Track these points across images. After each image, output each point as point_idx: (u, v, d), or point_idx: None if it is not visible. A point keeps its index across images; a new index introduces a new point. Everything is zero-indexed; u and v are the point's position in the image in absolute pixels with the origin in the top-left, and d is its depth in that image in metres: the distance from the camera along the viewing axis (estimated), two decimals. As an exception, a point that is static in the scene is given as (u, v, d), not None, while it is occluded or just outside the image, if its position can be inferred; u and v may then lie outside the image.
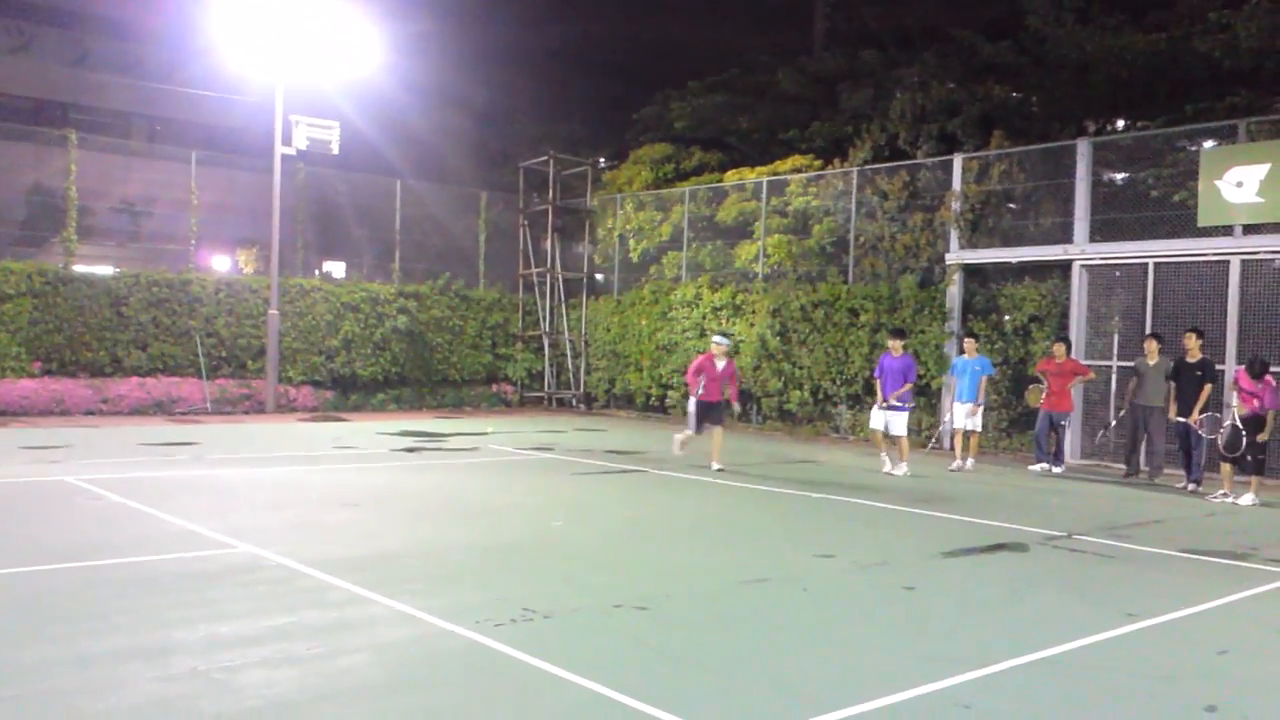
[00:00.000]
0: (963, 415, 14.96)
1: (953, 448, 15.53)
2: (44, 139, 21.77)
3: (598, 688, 4.96)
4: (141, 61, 33.91)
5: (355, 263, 25.61)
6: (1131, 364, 14.76)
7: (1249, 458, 12.05)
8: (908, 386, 13.93)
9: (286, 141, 20.94)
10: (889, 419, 13.94)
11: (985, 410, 16.28)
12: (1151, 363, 14.06)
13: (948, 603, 7.01)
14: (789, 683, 5.19)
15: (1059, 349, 14.94)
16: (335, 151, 21.59)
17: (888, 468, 14.01)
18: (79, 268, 19.82)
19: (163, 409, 19.58)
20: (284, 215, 21.33)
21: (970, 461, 14.90)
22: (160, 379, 19.92)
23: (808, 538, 9.30)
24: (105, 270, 20.33)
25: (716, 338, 14.46)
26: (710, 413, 13.91)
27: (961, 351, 15.66)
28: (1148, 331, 14.86)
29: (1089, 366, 15.40)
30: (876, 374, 14.25)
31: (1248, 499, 12.07)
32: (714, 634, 6.09)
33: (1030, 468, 15.00)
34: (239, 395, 20.65)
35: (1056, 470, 14.80)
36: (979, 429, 15.11)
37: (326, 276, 24.43)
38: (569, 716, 4.67)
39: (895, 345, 14.14)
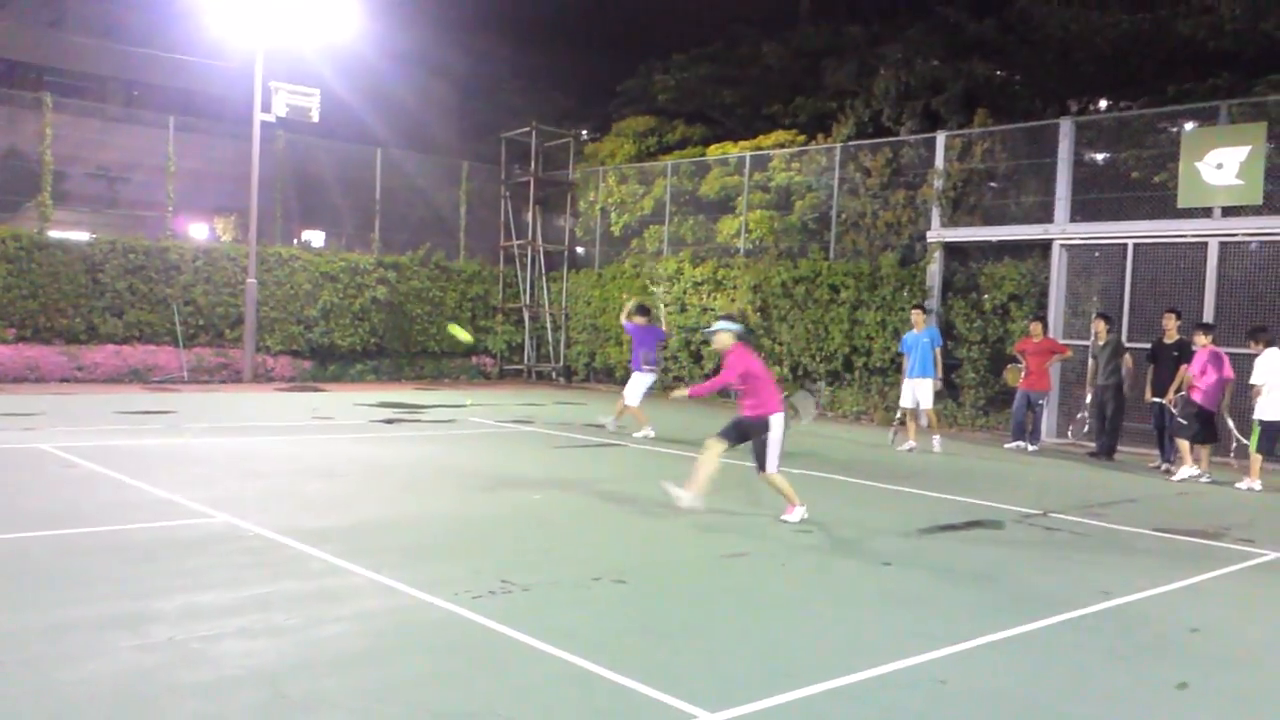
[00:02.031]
0: (915, 392, 14.37)
1: (912, 425, 14.51)
2: (19, 102, 21.43)
3: (575, 659, 4.97)
4: (119, 25, 33.39)
5: (335, 232, 25.40)
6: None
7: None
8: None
9: (266, 108, 20.70)
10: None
11: (962, 389, 16.40)
12: (1101, 343, 14.23)
13: (924, 579, 7.07)
14: (766, 657, 5.22)
15: (1036, 328, 15.04)
16: (315, 119, 21.34)
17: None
18: (54, 233, 19.57)
19: (139, 377, 19.44)
20: (263, 183, 21.11)
21: (937, 440, 14.27)
22: (136, 347, 19.75)
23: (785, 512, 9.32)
24: (81, 236, 20.09)
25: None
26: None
27: (911, 327, 14.91)
28: (1099, 310, 15.16)
29: (1066, 345, 15.49)
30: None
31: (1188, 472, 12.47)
32: (692, 608, 6.12)
33: (1006, 446, 15.10)
34: (216, 364, 20.52)
35: (1031, 449, 14.89)
36: (930, 405, 14.42)
37: (305, 245, 24.24)
38: (546, 688, 4.69)
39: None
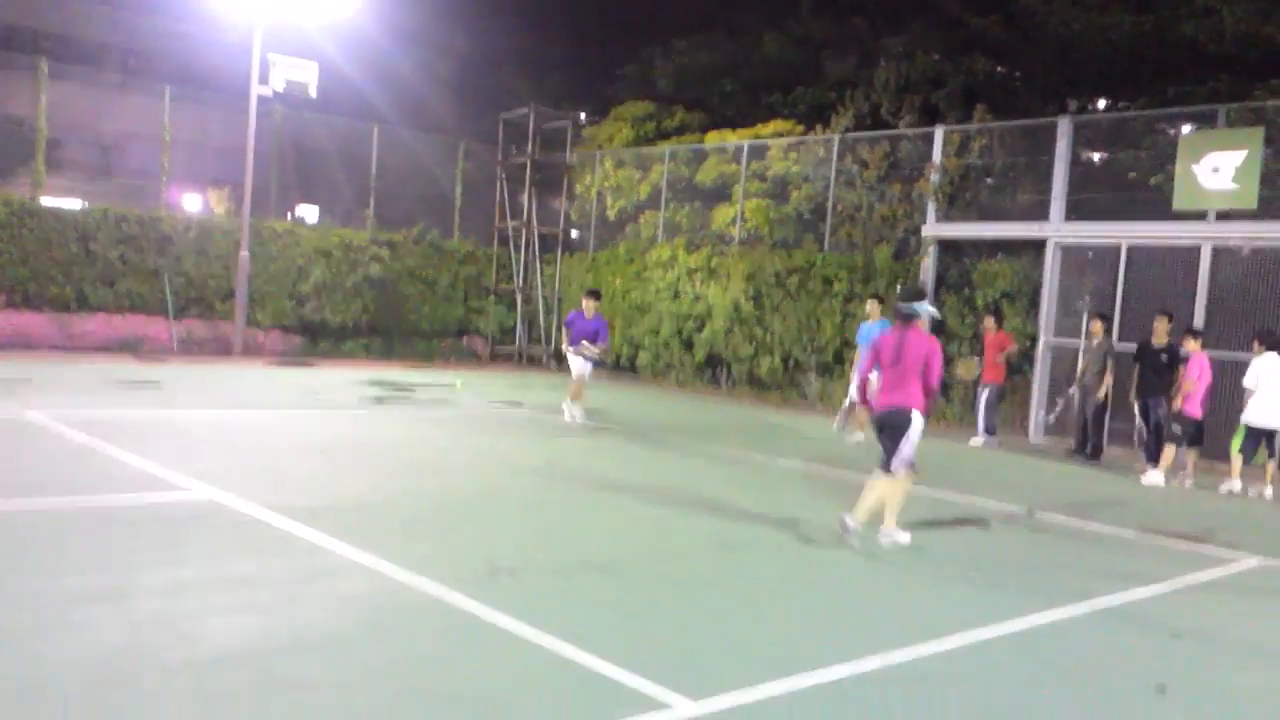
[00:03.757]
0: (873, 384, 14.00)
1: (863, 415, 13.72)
2: (15, 65, 21.26)
3: (560, 645, 4.99)
4: (116, -9, 33.15)
5: (330, 208, 25.31)
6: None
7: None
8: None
9: (264, 81, 20.55)
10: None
11: (952, 385, 16.44)
12: (1095, 343, 14.32)
13: (910, 575, 7.10)
14: (751, 648, 5.24)
15: (990, 322, 15.40)
16: (313, 94, 21.21)
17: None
18: (46, 200, 19.45)
19: (128, 347, 19.36)
20: (258, 157, 20.98)
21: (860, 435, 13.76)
22: (127, 317, 19.66)
23: (772, 504, 9.35)
24: (74, 204, 19.99)
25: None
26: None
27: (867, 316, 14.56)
28: (1096, 310, 15.16)
29: (1013, 338, 15.76)
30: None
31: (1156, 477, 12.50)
32: (679, 597, 6.13)
33: (972, 441, 15.16)
34: (206, 337, 20.45)
35: (982, 442, 14.99)
36: None
37: (300, 221, 24.14)
38: (530, 673, 4.70)
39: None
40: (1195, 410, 12.39)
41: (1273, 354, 11.77)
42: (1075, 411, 14.69)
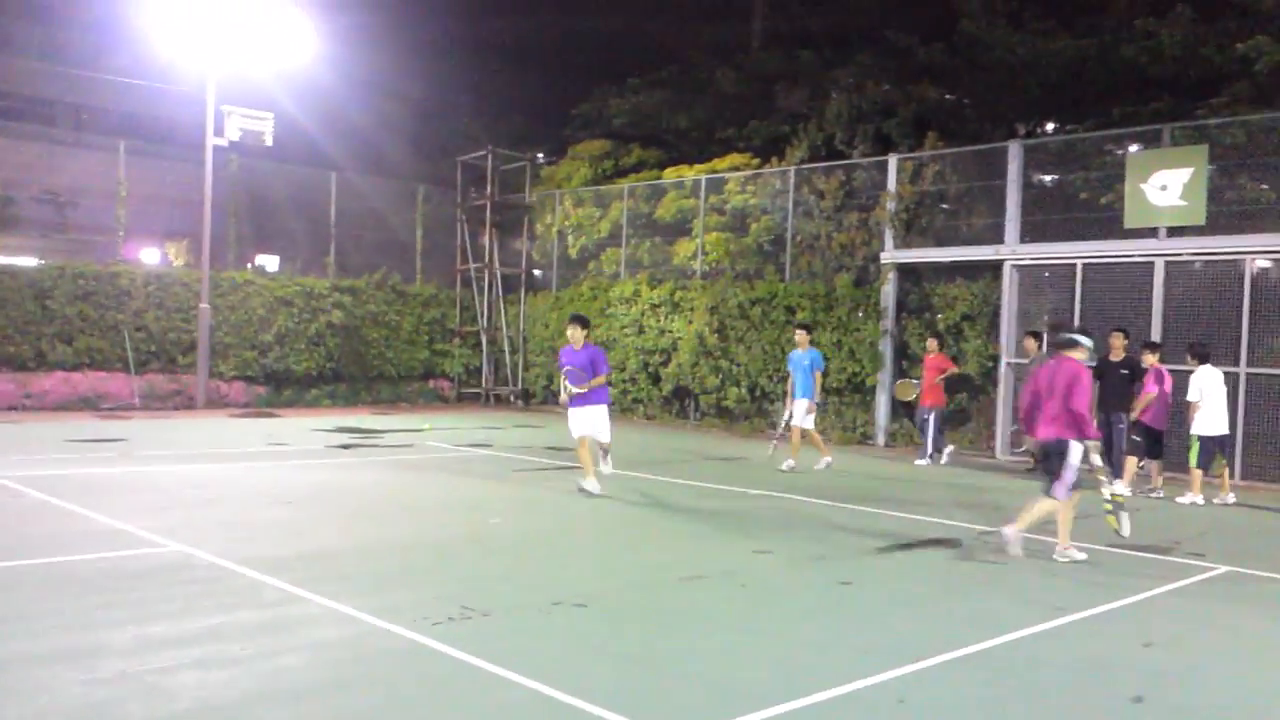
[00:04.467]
0: (799, 413, 13.98)
1: (796, 442, 14.11)
2: (-37, 125, 21.09)
3: (537, 685, 4.94)
4: (66, 47, 32.99)
5: (289, 256, 25.18)
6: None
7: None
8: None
9: (219, 132, 20.53)
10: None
11: (916, 408, 16.63)
12: (1028, 360, 14.67)
13: (883, 598, 7.12)
14: (727, 678, 5.23)
15: (931, 344, 15.67)
16: (269, 143, 21.21)
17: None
18: (0, 259, 19.22)
19: (89, 404, 19.11)
20: (216, 208, 20.90)
21: (825, 461, 14.09)
22: (86, 373, 19.42)
23: (745, 534, 9.36)
24: (29, 262, 19.76)
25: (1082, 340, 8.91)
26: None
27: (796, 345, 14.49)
28: (1030, 329, 15.49)
29: (953, 361, 16.18)
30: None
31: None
32: (652, 631, 6.11)
33: (917, 462, 15.31)
34: (169, 391, 20.22)
35: (923, 462, 15.19)
36: (812, 427, 14.13)
37: (260, 270, 24.00)
38: (508, 715, 4.66)
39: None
40: (1154, 421, 12.61)
41: (1208, 366, 12.05)
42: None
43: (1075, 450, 8.30)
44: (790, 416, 14.20)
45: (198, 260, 21.14)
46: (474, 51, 34.94)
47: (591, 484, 11.21)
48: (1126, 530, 8.59)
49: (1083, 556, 8.39)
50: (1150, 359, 12.77)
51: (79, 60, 32.46)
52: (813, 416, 14.16)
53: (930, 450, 15.38)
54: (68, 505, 9.27)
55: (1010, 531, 8.44)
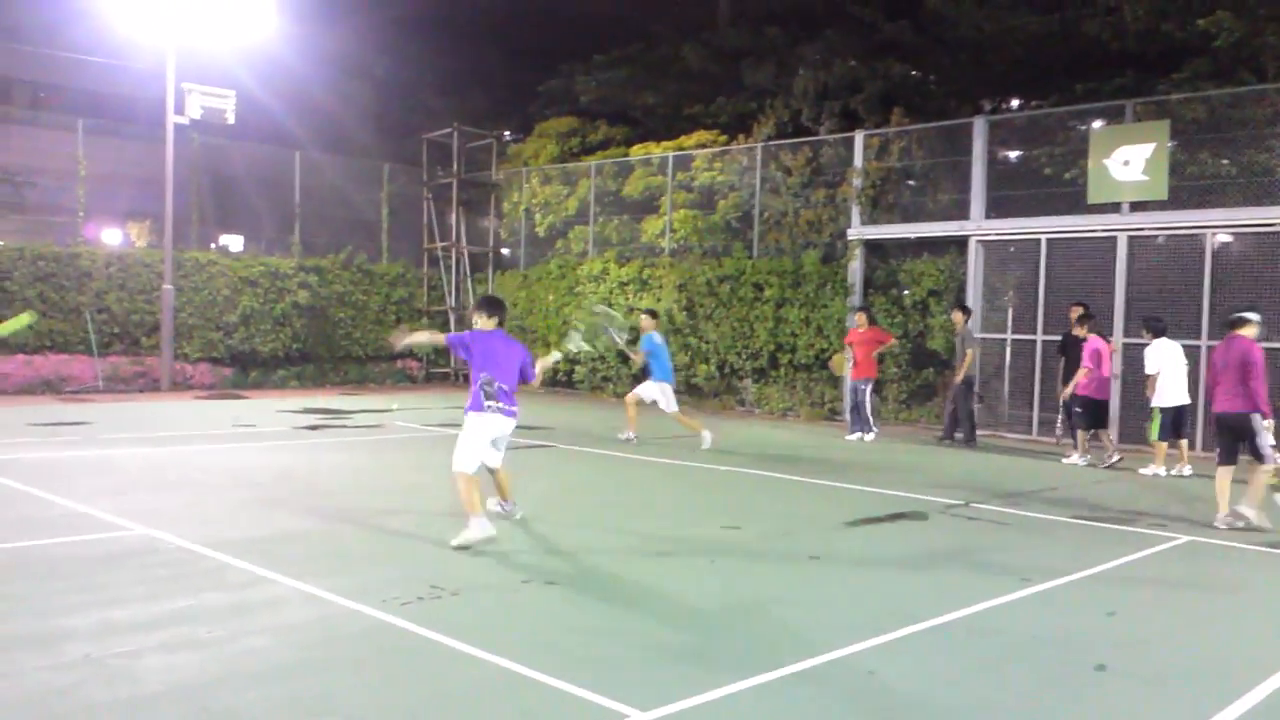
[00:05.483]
0: (654, 393, 14.04)
1: (633, 413, 14.29)
2: (-85, 104, 20.64)
3: (507, 663, 4.95)
4: (21, 23, 32.26)
5: (254, 236, 24.92)
6: (1031, 337, 15.91)
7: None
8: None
9: (179, 110, 20.22)
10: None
11: (886, 383, 16.76)
12: (956, 334, 15.03)
13: (851, 571, 7.18)
14: (697, 653, 5.25)
15: (861, 318, 15.67)
16: (231, 121, 20.91)
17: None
18: (-43, 241, 18.90)
19: (51, 388, 18.85)
20: (178, 187, 20.60)
21: (706, 436, 13.68)
22: (48, 356, 19.15)
23: (714, 510, 9.41)
24: (-14, 243, 19.43)
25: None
26: None
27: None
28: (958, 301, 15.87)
29: (891, 334, 16.20)
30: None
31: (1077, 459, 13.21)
32: (622, 607, 6.13)
33: (847, 437, 15.38)
34: (133, 373, 19.99)
35: (869, 438, 15.19)
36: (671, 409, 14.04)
37: (224, 250, 23.75)
38: (477, 692, 4.66)
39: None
40: (1094, 392, 13.09)
41: (1164, 339, 12.24)
42: (951, 402, 15.11)
43: (1258, 420, 8.86)
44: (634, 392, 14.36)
45: (160, 240, 20.85)
46: (438, 29, 34.56)
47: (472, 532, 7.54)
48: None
49: (1255, 517, 8.87)
50: (1080, 330, 13.11)
51: (35, 37, 31.79)
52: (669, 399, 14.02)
53: (869, 426, 15.29)
54: (31, 489, 9.16)
55: (1251, 512, 8.86)
